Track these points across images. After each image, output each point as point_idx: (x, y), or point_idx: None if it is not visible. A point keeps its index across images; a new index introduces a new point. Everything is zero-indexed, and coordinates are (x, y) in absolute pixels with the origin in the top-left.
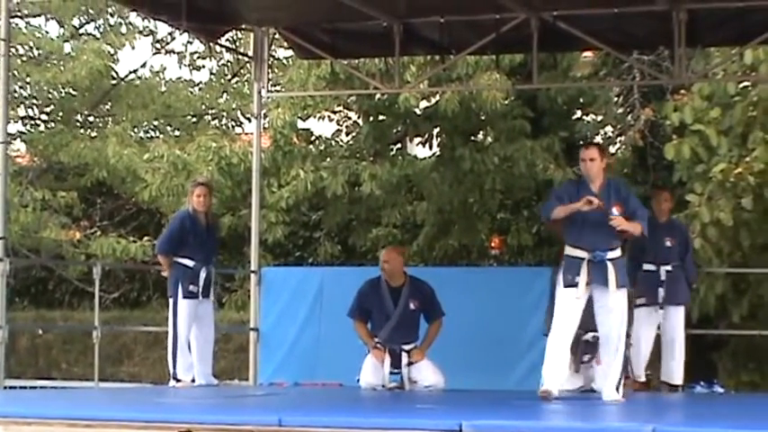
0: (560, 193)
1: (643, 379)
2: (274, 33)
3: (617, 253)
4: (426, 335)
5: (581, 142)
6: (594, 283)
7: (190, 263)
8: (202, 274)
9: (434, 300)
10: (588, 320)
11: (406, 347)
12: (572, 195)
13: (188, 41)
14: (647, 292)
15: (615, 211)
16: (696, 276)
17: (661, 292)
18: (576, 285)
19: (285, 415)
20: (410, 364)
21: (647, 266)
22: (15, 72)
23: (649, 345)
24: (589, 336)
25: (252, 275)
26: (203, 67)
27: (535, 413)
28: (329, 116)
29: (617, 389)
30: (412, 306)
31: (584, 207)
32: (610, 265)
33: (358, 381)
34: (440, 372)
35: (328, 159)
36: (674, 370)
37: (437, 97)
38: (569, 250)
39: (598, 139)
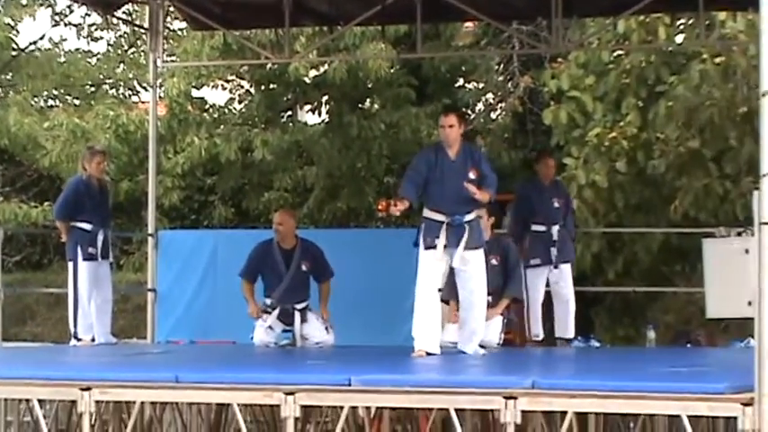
0: (418, 164)
1: (541, 337)
2: (169, 6)
3: (473, 215)
4: (321, 296)
5: (463, 109)
6: (453, 246)
7: (87, 226)
8: (100, 237)
9: (324, 261)
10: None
11: (299, 306)
12: (430, 162)
13: (86, 14)
14: (540, 253)
15: (471, 175)
16: (575, 233)
17: (554, 251)
18: (435, 247)
19: (181, 372)
20: (304, 321)
21: (537, 227)
22: None
23: (540, 303)
24: None
25: (149, 238)
26: (101, 38)
27: (420, 368)
28: (222, 85)
29: (480, 344)
30: (303, 267)
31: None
32: (467, 227)
33: (251, 339)
34: (330, 329)
35: (222, 127)
36: (569, 325)
37: (326, 66)
38: (429, 213)
39: (480, 105)
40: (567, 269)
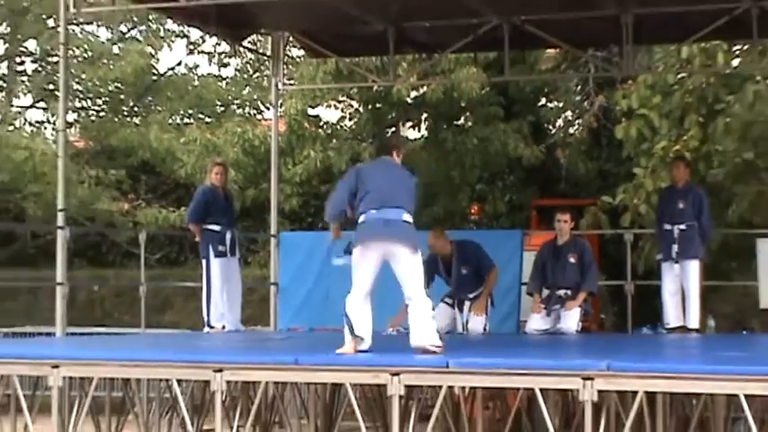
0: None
1: (672, 324)
2: (289, 36)
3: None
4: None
5: (546, 125)
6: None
7: (217, 227)
8: (228, 236)
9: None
10: (559, 278)
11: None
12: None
13: (216, 43)
14: (663, 249)
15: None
16: (711, 233)
17: (675, 248)
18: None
19: (301, 355)
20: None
21: (665, 226)
22: (73, 71)
23: (667, 294)
24: (561, 292)
25: (272, 239)
26: (229, 64)
27: (509, 353)
28: (335, 105)
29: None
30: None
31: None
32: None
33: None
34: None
35: (334, 141)
36: (691, 316)
37: (425, 88)
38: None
39: (560, 122)
40: (690, 266)
